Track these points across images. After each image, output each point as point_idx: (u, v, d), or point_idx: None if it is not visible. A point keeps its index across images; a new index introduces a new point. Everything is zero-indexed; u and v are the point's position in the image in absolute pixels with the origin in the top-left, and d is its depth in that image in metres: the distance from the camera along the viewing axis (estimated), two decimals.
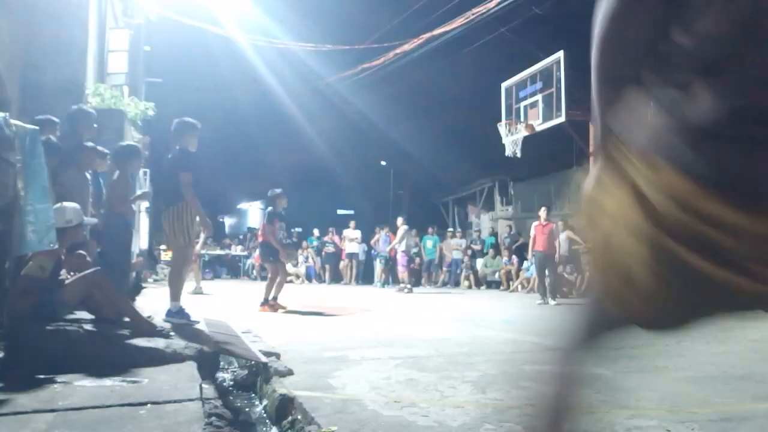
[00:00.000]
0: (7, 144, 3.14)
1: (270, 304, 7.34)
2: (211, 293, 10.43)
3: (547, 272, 9.80)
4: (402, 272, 13.23)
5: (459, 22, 12.05)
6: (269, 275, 7.83)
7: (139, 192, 6.05)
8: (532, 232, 10.04)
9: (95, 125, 5.51)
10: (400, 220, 13.55)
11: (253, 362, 3.61)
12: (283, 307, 7.40)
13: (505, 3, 11.38)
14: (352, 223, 15.30)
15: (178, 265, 5.22)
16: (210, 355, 3.80)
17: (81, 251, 4.50)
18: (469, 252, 15.90)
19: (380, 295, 11.88)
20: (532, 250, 10.05)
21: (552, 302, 9.44)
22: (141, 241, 10.86)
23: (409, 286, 12.95)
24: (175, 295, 4.98)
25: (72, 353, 3.29)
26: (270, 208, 7.89)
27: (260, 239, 8.03)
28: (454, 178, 22.81)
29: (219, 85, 25.87)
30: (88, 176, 5.32)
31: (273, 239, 7.56)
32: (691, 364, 4.02)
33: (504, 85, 10.86)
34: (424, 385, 3.13)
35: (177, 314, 4.87)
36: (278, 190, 7.87)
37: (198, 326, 4.83)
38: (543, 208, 10.00)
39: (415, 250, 15.93)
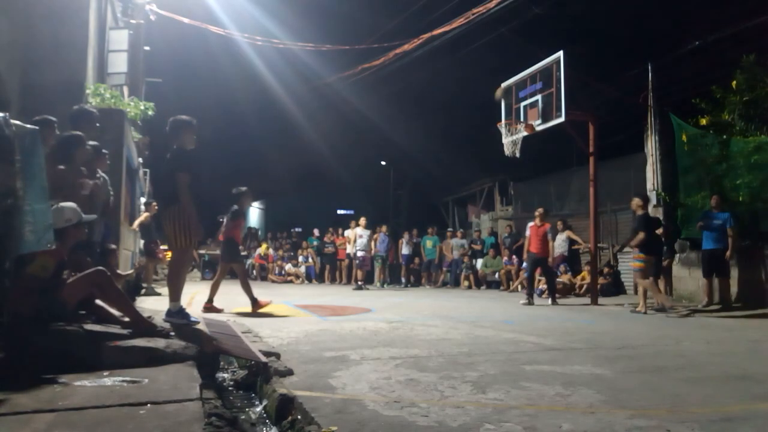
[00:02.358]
0: (7, 144, 3.14)
1: (207, 306, 7.06)
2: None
3: (540, 275, 9.71)
4: (357, 270, 14.23)
5: (459, 22, 12.06)
6: (217, 275, 7.65)
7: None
8: (527, 233, 10.01)
9: (97, 125, 5.51)
10: (363, 221, 14.45)
11: (253, 362, 3.61)
12: (220, 310, 7.03)
13: (505, 3, 11.39)
14: (353, 223, 15.30)
15: (178, 265, 5.21)
16: (210, 355, 3.80)
17: (81, 251, 4.51)
18: (469, 252, 15.89)
19: (380, 295, 11.88)
20: (527, 251, 9.99)
21: (550, 302, 9.44)
22: (141, 243, 10.84)
23: (360, 283, 13.76)
24: (175, 296, 4.98)
25: (72, 353, 3.29)
26: (235, 207, 7.57)
27: (222, 238, 7.82)
28: (454, 178, 22.84)
29: (219, 85, 25.94)
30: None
31: (236, 235, 7.50)
32: (691, 364, 4.02)
33: (504, 85, 10.83)
34: (424, 385, 3.13)
35: (177, 314, 4.87)
36: (243, 188, 7.59)
37: (198, 326, 4.83)
38: (539, 209, 9.95)
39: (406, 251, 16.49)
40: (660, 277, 8.99)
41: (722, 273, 8.77)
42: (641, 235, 8.19)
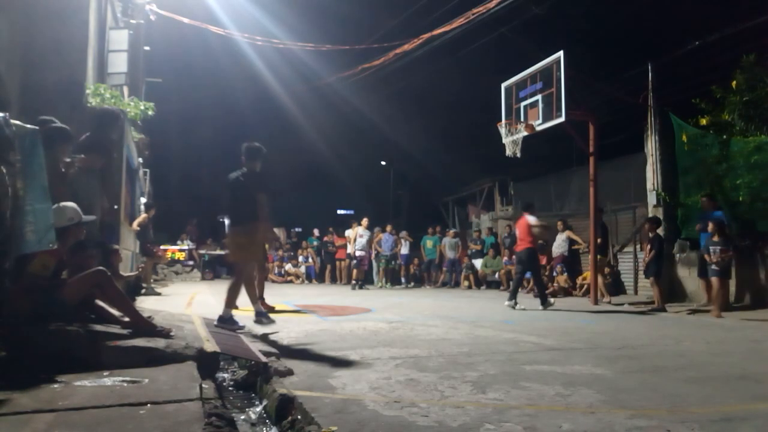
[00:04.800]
0: (7, 144, 3.14)
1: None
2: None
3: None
4: (355, 269, 14.31)
5: (459, 22, 12.05)
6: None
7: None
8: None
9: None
10: (365, 221, 14.63)
11: (253, 362, 3.61)
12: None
13: (505, 3, 11.38)
14: (354, 223, 15.30)
15: (241, 278, 5.54)
16: (210, 355, 3.80)
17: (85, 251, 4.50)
18: (469, 252, 15.88)
19: (380, 295, 11.88)
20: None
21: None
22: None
23: (359, 282, 13.84)
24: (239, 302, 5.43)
25: (72, 353, 3.28)
26: None
27: None
28: (454, 178, 22.83)
29: (219, 85, 25.93)
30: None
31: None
32: (691, 364, 4.02)
33: (504, 85, 10.80)
34: (424, 385, 3.13)
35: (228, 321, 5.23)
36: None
37: (198, 326, 4.84)
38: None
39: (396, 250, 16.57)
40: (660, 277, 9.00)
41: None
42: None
